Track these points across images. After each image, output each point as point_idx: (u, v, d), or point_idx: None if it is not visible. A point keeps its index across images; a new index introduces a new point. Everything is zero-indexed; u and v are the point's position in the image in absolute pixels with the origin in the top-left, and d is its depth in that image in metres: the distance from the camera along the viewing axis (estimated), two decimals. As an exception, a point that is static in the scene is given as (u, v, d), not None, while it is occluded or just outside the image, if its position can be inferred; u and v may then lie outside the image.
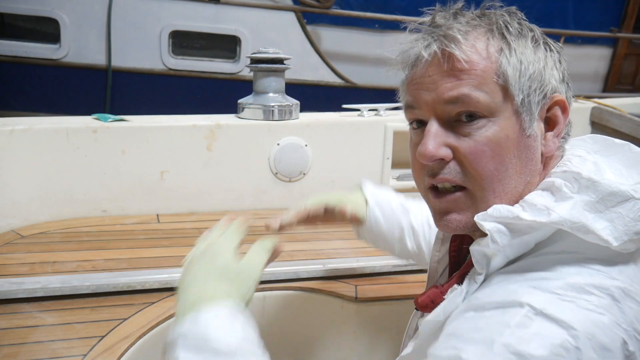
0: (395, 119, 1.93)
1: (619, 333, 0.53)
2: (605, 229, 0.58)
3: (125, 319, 1.09)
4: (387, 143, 1.91)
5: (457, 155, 0.65)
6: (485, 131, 0.64)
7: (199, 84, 4.52)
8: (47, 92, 4.37)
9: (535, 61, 0.65)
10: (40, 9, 4.18)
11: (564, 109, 0.68)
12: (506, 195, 0.65)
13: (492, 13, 0.68)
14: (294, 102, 1.87)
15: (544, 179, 0.67)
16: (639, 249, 0.61)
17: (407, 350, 0.71)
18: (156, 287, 1.20)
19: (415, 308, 0.77)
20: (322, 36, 4.78)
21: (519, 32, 0.66)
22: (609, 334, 0.53)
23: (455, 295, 0.65)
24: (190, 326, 0.63)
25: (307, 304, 1.27)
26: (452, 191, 0.67)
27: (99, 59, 4.34)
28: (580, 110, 2.44)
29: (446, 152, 0.65)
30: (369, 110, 1.98)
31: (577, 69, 5.48)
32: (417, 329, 0.76)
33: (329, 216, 0.93)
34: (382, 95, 1.93)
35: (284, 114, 1.83)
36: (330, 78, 4.76)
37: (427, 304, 0.74)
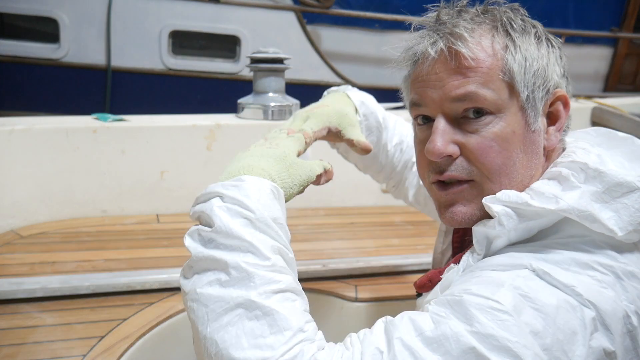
0: (395, 119, 1.92)
1: (622, 306, 0.55)
2: (611, 219, 0.59)
3: (125, 319, 1.09)
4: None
5: (464, 152, 0.66)
6: (492, 127, 0.64)
7: (199, 84, 4.52)
8: (47, 92, 4.36)
9: (539, 57, 0.66)
10: (40, 9, 4.17)
11: (566, 104, 0.70)
12: (512, 188, 0.66)
13: (495, 9, 0.69)
14: (294, 102, 1.86)
15: (545, 170, 0.68)
16: None
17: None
18: (156, 287, 1.20)
19: (417, 294, 0.78)
20: (322, 36, 4.78)
21: (522, 28, 0.67)
22: (612, 304, 0.54)
23: (452, 273, 0.66)
24: (232, 189, 0.61)
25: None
26: (458, 184, 0.68)
27: (99, 59, 4.33)
28: (581, 110, 2.44)
29: (454, 149, 0.66)
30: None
31: (578, 68, 5.48)
32: None
33: (330, 137, 0.88)
34: (382, 95, 1.93)
35: (284, 114, 1.83)
36: (330, 78, 4.75)
37: (424, 284, 0.75)
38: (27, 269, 1.28)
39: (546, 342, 0.51)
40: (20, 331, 1.03)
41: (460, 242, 0.84)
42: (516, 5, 0.71)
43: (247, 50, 4.34)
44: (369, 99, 1.01)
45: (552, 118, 0.70)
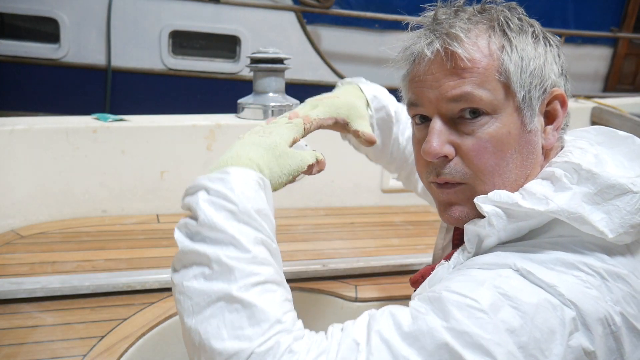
0: (395, 119, 1.93)
1: (605, 307, 0.55)
2: (602, 221, 0.59)
3: (125, 319, 1.09)
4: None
5: (460, 153, 0.67)
6: (488, 128, 0.65)
7: (199, 84, 4.52)
8: (47, 92, 4.37)
9: (536, 57, 0.66)
10: (40, 9, 4.17)
11: (563, 103, 0.69)
12: (506, 188, 0.66)
13: (492, 8, 0.69)
14: (294, 102, 1.86)
15: (544, 167, 0.68)
16: (636, 242, 0.62)
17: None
18: (156, 287, 1.20)
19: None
20: (322, 36, 4.78)
21: (519, 27, 0.67)
22: (594, 305, 0.54)
23: (442, 269, 0.67)
24: (217, 182, 0.61)
25: (307, 304, 1.26)
26: (454, 184, 0.69)
27: (99, 59, 4.34)
28: (581, 110, 2.44)
29: (449, 150, 0.66)
30: (369, 110, 1.98)
31: (578, 68, 5.48)
32: None
33: (337, 128, 0.88)
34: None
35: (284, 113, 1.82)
36: (330, 78, 4.75)
37: (417, 279, 0.76)
38: (27, 269, 1.28)
39: (522, 340, 0.52)
40: (20, 331, 1.03)
41: (460, 239, 0.84)
42: (513, 4, 0.71)
43: (247, 50, 4.34)
44: (382, 92, 1.02)
45: (549, 117, 0.70)
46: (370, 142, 0.89)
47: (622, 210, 0.59)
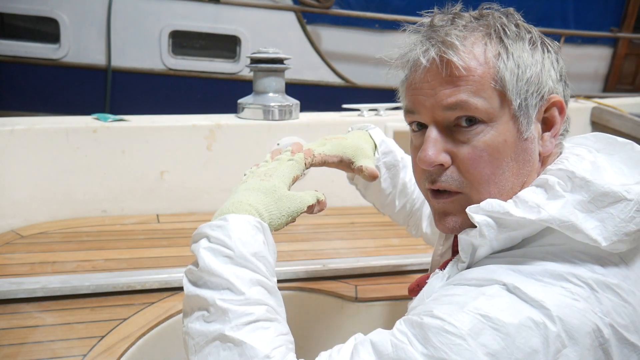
0: (395, 119, 1.93)
1: (593, 319, 0.55)
2: (595, 229, 0.58)
3: (125, 319, 1.09)
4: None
5: (455, 161, 0.67)
6: (483, 136, 0.65)
7: (199, 84, 4.52)
8: (47, 92, 4.37)
9: (533, 64, 0.65)
10: (40, 9, 4.18)
11: (561, 109, 0.69)
12: (501, 196, 0.66)
13: (490, 14, 0.68)
14: (294, 102, 1.86)
15: (539, 176, 0.68)
16: (629, 250, 0.61)
17: None
18: (156, 287, 1.20)
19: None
20: (322, 36, 4.78)
21: (516, 34, 0.66)
22: (580, 319, 0.54)
23: (437, 279, 0.68)
24: (217, 229, 0.66)
25: (307, 304, 1.27)
26: (449, 194, 0.69)
27: (99, 59, 4.34)
28: (581, 110, 2.44)
29: (445, 159, 0.67)
30: (369, 110, 1.98)
31: (577, 68, 5.48)
32: None
33: (342, 166, 0.91)
34: (382, 95, 1.93)
35: (284, 114, 1.83)
36: (330, 78, 4.76)
37: (413, 288, 0.78)
38: (27, 269, 1.28)
39: None
40: (20, 331, 1.03)
41: None
42: (511, 10, 0.70)
43: (247, 50, 4.34)
44: (389, 139, 1.06)
45: (547, 124, 0.69)
46: (372, 177, 0.91)
47: (616, 218, 0.58)
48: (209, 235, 0.66)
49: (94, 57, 4.32)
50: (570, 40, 5.26)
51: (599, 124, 2.42)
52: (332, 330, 1.29)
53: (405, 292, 1.26)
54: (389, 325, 1.34)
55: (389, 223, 1.74)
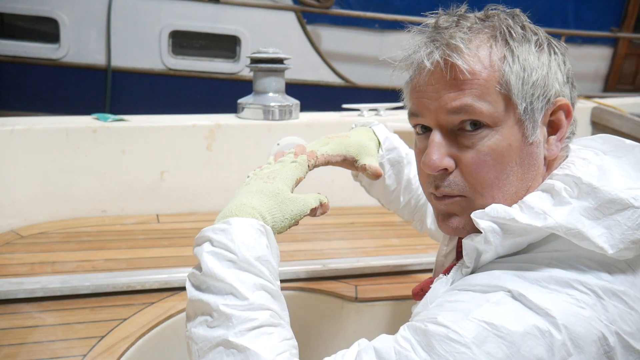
0: (395, 119, 1.93)
1: (598, 327, 0.54)
2: (602, 236, 0.58)
3: (125, 319, 1.09)
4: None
5: (459, 166, 0.66)
6: (488, 140, 0.64)
7: (199, 84, 4.52)
8: (47, 92, 4.37)
9: (539, 67, 0.64)
10: (40, 9, 4.18)
11: (568, 113, 0.68)
12: (506, 201, 0.66)
13: (496, 16, 0.67)
14: (294, 102, 1.86)
15: (545, 179, 0.67)
16: (638, 257, 0.60)
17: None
18: (156, 287, 1.20)
19: None
20: (322, 36, 4.78)
21: (522, 36, 0.65)
22: (586, 327, 0.54)
23: (440, 284, 0.67)
24: (220, 233, 0.66)
25: (307, 304, 1.27)
26: (453, 195, 0.68)
27: (99, 59, 4.34)
28: (581, 110, 2.44)
29: (449, 163, 0.66)
30: (369, 110, 1.98)
31: (578, 68, 5.36)
32: None
33: (346, 165, 0.91)
34: (382, 95, 1.93)
35: (284, 114, 1.83)
36: (330, 78, 4.76)
37: (417, 292, 0.77)
38: (27, 269, 1.28)
39: None
40: (20, 331, 1.03)
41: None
42: (517, 11, 0.69)
43: (247, 50, 4.34)
44: (394, 135, 1.05)
45: (553, 127, 0.68)
46: (376, 175, 0.91)
47: (622, 225, 0.58)
48: (212, 238, 0.65)
49: (94, 57, 4.33)
50: (570, 40, 5.25)
51: (599, 124, 2.42)
52: (332, 330, 1.29)
53: (406, 292, 1.27)
54: (388, 325, 1.35)
55: (389, 223, 1.74)
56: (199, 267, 0.65)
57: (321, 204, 0.78)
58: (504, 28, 0.65)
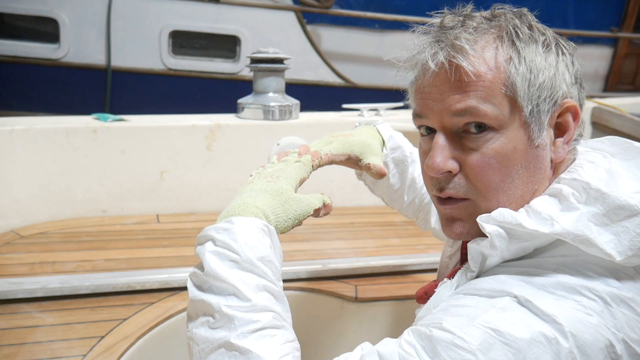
0: (395, 119, 1.93)
1: (606, 335, 0.53)
2: (610, 242, 0.57)
3: (125, 319, 1.09)
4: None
5: (464, 168, 0.65)
6: (493, 143, 0.63)
7: (199, 84, 4.51)
8: (47, 92, 4.36)
9: (546, 68, 0.63)
10: (40, 9, 4.17)
11: (575, 114, 0.66)
12: (511, 204, 0.65)
13: (502, 15, 0.66)
14: (294, 102, 1.86)
15: (552, 183, 0.66)
16: None
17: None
18: (156, 287, 1.20)
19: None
20: (322, 36, 4.78)
21: (529, 37, 0.64)
22: (593, 334, 0.53)
23: (445, 288, 0.66)
24: (223, 232, 0.65)
25: (307, 304, 1.27)
26: (457, 199, 0.68)
27: (99, 59, 4.33)
28: (581, 110, 2.44)
29: (453, 166, 0.65)
30: (369, 110, 1.98)
31: (578, 68, 5.47)
32: None
33: (349, 164, 0.90)
34: (382, 95, 1.93)
35: (284, 114, 1.83)
36: (330, 78, 4.75)
37: (421, 296, 0.76)
38: (27, 269, 1.28)
39: None
40: (20, 331, 1.03)
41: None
42: (524, 10, 0.68)
43: (247, 50, 4.34)
44: (399, 134, 1.04)
45: (560, 129, 0.67)
46: (380, 175, 0.90)
47: (631, 232, 0.57)
48: (215, 238, 0.64)
49: (94, 57, 4.32)
50: (570, 40, 5.22)
51: (599, 124, 2.42)
52: (332, 330, 1.29)
53: (406, 292, 1.27)
54: (388, 325, 1.35)
55: (389, 223, 1.74)
56: (200, 267, 0.64)
57: (324, 205, 0.77)
58: (511, 28, 0.64)
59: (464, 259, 0.83)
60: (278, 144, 1.79)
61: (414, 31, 0.69)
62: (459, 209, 0.68)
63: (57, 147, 1.62)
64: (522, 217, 0.60)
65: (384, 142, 0.99)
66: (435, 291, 0.68)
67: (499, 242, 0.61)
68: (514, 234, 0.60)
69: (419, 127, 0.72)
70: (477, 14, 0.67)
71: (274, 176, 0.74)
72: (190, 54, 4.52)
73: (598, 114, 2.43)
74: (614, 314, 0.55)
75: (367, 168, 0.90)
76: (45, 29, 4.26)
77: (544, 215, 0.60)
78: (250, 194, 0.71)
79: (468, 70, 0.61)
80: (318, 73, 4.69)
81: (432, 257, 1.37)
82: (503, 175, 0.64)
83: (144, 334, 1.05)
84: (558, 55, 0.65)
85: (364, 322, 1.27)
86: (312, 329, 1.28)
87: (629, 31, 5.77)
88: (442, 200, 0.69)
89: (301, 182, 0.78)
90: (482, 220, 0.62)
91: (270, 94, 1.83)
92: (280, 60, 1.83)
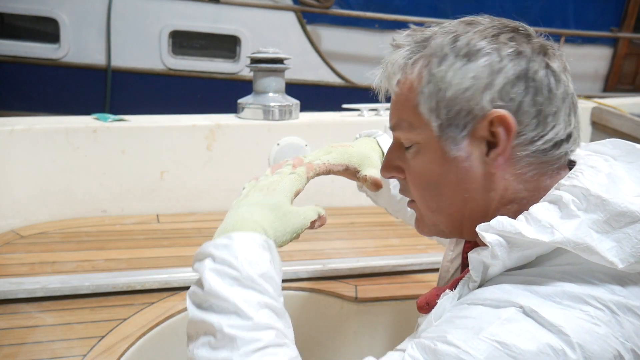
0: (395, 119, 1.93)
1: (614, 345, 0.53)
2: (612, 250, 0.56)
3: (125, 319, 1.09)
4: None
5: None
6: (415, 156, 0.69)
7: (199, 84, 4.52)
8: (47, 92, 4.37)
9: (458, 82, 0.62)
10: (40, 9, 4.18)
11: (505, 123, 0.62)
12: (445, 212, 0.69)
13: (435, 35, 0.66)
14: (294, 102, 1.86)
15: (549, 191, 0.64)
16: None
17: (402, 344, 0.71)
18: (156, 287, 1.20)
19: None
20: (322, 36, 4.78)
21: (451, 50, 0.63)
22: (601, 344, 0.52)
23: (447, 299, 0.65)
24: (222, 249, 0.64)
25: (307, 304, 1.27)
26: (412, 200, 0.74)
27: (99, 59, 4.34)
28: (581, 110, 2.43)
29: (395, 174, 0.73)
30: (369, 110, 1.98)
31: (578, 68, 5.47)
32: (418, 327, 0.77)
33: (348, 175, 0.92)
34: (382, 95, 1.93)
35: (284, 114, 1.83)
36: (330, 78, 4.76)
37: (422, 306, 0.75)
38: (27, 269, 1.28)
39: None
40: (20, 331, 1.03)
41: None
42: (477, 19, 0.67)
43: (247, 50, 4.34)
44: None
45: (495, 138, 0.63)
46: (376, 186, 0.91)
47: (633, 238, 0.56)
48: (214, 255, 0.64)
49: (94, 57, 4.33)
50: (570, 40, 5.25)
51: (599, 124, 2.42)
52: (332, 330, 1.29)
53: (406, 292, 1.27)
54: (388, 325, 1.35)
55: (389, 223, 1.74)
56: (200, 284, 0.63)
57: (319, 216, 0.78)
58: (434, 47, 0.65)
59: (464, 263, 0.83)
60: (278, 144, 1.79)
61: (404, 27, 0.73)
62: (417, 209, 0.74)
63: (57, 147, 1.62)
64: (521, 226, 0.59)
65: (383, 154, 0.99)
66: (437, 302, 0.67)
67: (500, 251, 0.60)
68: (514, 243, 0.60)
69: None
70: (420, 32, 0.69)
71: (269, 189, 0.74)
72: (190, 54, 4.52)
73: (598, 114, 2.43)
74: (621, 323, 0.54)
75: (364, 180, 0.91)
76: (45, 29, 4.27)
77: (544, 223, 0.59)
78: (247, 209, 0.70)
79: (393, 91, 0.69)
80: (318, 73, 4.70)
81: (432, 257, 1.37)
82: (428, 184, 0.69)
83: (144, 334, 1.05)
84: (491, 63, 0.61)
85: (364, 322, 1.27)
86: (312, 329, 1.28)
87: (629, 31, 5.77)
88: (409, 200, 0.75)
89: (296, 194, 0.78)
90: (482, 230, 0.62)
91: (270, 94, 1.83)
92: (280, 60, 1.83)
